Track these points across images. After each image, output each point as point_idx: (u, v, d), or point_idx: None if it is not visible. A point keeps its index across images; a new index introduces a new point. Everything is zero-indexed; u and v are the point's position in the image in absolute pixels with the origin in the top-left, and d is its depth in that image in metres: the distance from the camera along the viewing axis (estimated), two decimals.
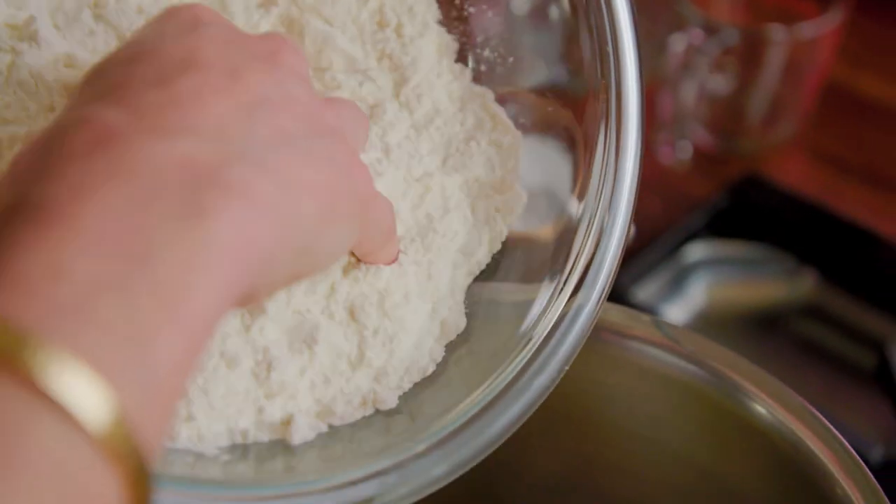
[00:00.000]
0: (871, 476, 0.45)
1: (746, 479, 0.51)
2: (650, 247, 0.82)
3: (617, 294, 0.77)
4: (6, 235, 0.31)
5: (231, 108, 0.36)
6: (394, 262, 0.44)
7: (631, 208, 0.46)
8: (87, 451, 0.29)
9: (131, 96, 0.35)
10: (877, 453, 0.69)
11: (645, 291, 0.81)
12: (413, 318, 0.44)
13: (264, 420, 0.41)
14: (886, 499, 0.45)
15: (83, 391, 0.29)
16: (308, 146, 0.37)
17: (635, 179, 0.46)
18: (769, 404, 0.48)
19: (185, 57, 0.36)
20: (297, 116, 0.38)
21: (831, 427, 0.47)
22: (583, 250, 0.45)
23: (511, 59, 0.48)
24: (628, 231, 0.46)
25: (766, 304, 0.83)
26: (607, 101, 0.45)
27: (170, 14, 0.39)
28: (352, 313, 0.43)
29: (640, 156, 0.46)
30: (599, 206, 0.45)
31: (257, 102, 0.36)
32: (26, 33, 0.43)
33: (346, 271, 0.44)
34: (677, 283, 0.83)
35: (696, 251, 0.84)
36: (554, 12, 0.48)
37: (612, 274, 0.45)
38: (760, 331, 0.82)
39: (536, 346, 0.44)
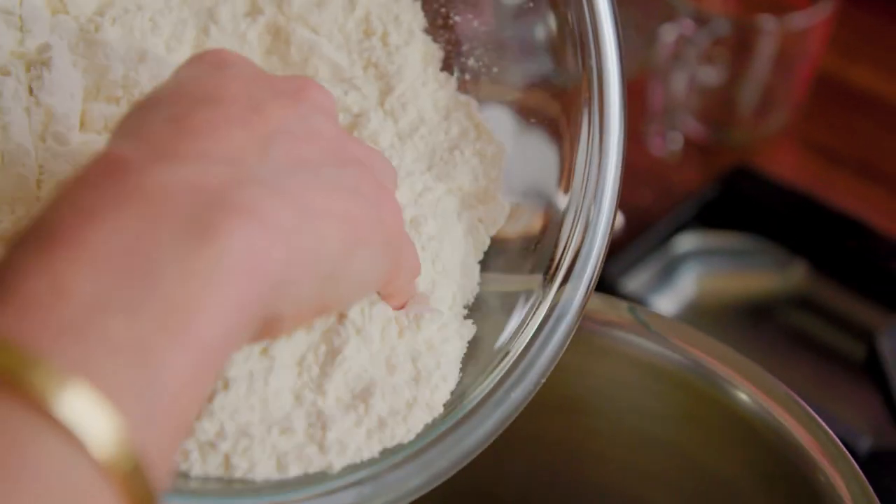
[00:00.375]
0: (853, 461, 0.45)
1: (730, 466, 0.51)
2: (640, 238, 0.81)
3: (606, 285, 0.77)
4: (15, 259, 0.31)
5: (247, 137, 0.36)
6: (404, 306, 0.44)
7: (616, 199, 0.46)
8: (90, 472, 0.29)
9: (148, 132, 0.35)
10: (865, 444, 0.69)
11: (635, 282, 0.81)
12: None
13: (311, 462, 0.41)
14: (868, 485, 0.45)
15: (85, 411, 0.29)
16: (331, 175, 0.37)
17: (619, 171, 0.46)
18: (751, 392, 0.48)
19: (207, 94, 0.37)
20: (319, 148, 0.38)
21: (813, 413, 0.46)
22: (570, 243, 0.45)
23: (496, 69, 0.49)
24: (613, 222, 0.46)
25: (757, 294, 0.83)
26: (590, 93, 0.46)
27: (197, 58, 0.39)
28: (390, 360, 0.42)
29: (624, 147, 0.46)
30: (585, 198, 0.45)
31: (276, 133, 0.36)
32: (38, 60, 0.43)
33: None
34: (667, 274, 0.83)
35: (687, 242, 0.84)
36: (538, 12, 0.48)
37: (599, 266, 0.46)
38: (751, 321, 0.82)
39: (528, 339, 0.45)
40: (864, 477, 0.45)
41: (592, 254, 0.45)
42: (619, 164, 0.46)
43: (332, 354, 0.41)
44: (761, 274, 0.83)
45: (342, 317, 0.42)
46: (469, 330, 0.45)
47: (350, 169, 0.38)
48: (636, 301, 0.59)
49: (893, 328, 0.74)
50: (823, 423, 0.46)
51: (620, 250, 0.80)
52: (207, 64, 0.38)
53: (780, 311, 0.82)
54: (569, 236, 0.45)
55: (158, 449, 0.30)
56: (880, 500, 0.47)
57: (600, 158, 0.45)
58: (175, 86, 0.37)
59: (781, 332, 0.81)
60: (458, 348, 0.44)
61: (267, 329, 0.36)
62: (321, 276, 0.36)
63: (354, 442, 0.40)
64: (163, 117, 0.35)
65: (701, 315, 0.82)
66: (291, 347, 0.41)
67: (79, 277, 0.30)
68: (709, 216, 0.84)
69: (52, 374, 0.29)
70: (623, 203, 0.79)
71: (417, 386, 0.42)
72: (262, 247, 0.33)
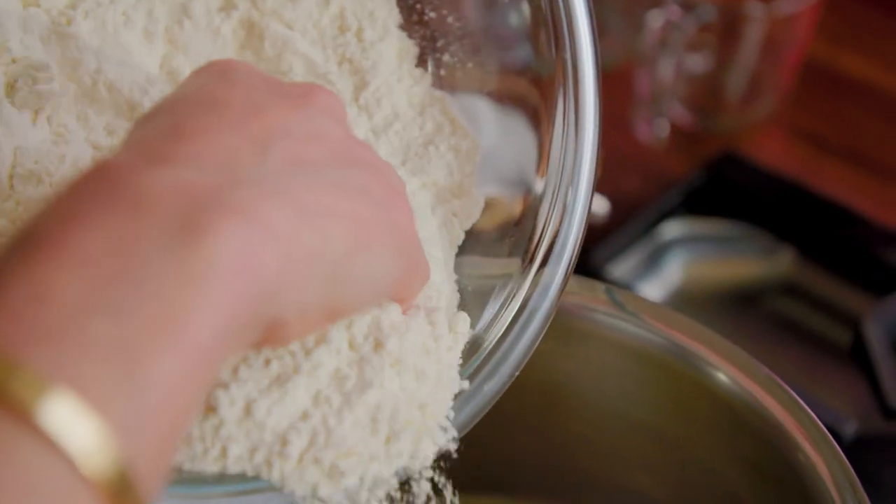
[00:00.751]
0: (834, 442, 0.45)
1: (713, 450, 0.51)
2: (627, 224, 0.81)
3: (592, 271, 0.77)
4: None
5: (243, 139, 0.35)
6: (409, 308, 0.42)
7: (592, 184, 0.46)
8: (74, 482, 0.28)
9: (143, 140, 0.34)
10: (850, 429, 0.69)
11: (621, 269, 0.80)
12: None
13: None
14: (849, 465, 0.45)
15: (68, 418, 0.28)
16: (337, 175, 0.36)
17: (595, 155, 0.46)
18: (732, 373, 0.48)
19: (207, 101, 0.36)
20: (324, 149, 0.37)
21: (794, 394, 0.46)
22: (547, 227, 0.46)
23: (471, 64, 0.49)
24: (590, 206, 0.46)
25: (744, 281, 0.83)
26: (564, 79, 0.46)
27: (204, 68, 0.38)
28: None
29: (599, 132, 0.46)
30: (561, 183, 0.46)
31: (276, 136, 0.35)
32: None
33: None
34: (654, 261, 0.82)
35: (673, 229, 0.84)
36: (512, 2, 0.48)
37: (577, 250, 0.46)
38: (737, 308, 0.81)
39: (505, 325, 0.45)
40: (844, 458, 0.45)
41: (570, 238, 0.45)
42: (595, 149, 0.46)
43: (362, 387, 0.38)
44: (748, 260, 0.83)
45: (379, 345, 0.39)
46: (465, 324, 0.44)
47: (358, 169, 0.37)
48: (622, 288, 0.58)
49: (880, 314, 0.74)
50: (805, 405, 0.46)
51: (606, 237, 0.80)
52: (213, 72, 0.38)
53: (767, 297, 0.82)
54: (546, 221, 0.46)
55: (147, 457, 0.29)
56: (866, 484, 0.47)
57: (576, 143, 0.46)
58: (178, 95, 0.37)
59: (768, 318, 0.81)
60: (459, 351, 0.43)
61: (271, 334, 0.35)
62: (326, 278, 0.35)
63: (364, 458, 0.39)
64: (160, 126, 0.35)
65: (687, 302, 0.81)
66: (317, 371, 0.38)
67: (61, 281, 0.29)
68: (696, 203, 0.84)
69: (32, 381, 0.28)
70: (609, 189, 0.80)
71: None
72: (254, 247, 0.32)
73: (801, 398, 0.48)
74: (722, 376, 0.49)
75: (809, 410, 0.47)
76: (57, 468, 0.28)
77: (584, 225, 0.46)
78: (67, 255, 0.30)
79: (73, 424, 0.28)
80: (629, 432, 0.55)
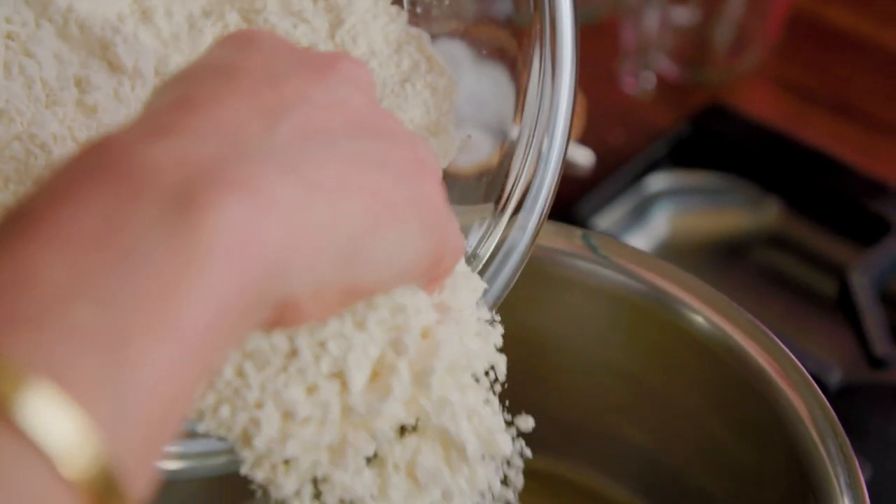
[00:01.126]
0: (811, 380, 0.45)
1: (691, 394, 0.51)
2: (612, 176, 0.81)
3: (578, 224, 0.76)
4: None
5: (255, 110, 0.33)
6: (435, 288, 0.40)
7: (568, 132, 0.46)
8: (47, 477, 0.26)
9: (150, 111, 0.32)
10: (835, 378, 0.69)
11: (606, 221, 0.80)
12: None
13: None
14: (828, 404, 0.44)
15: (46, 411, 0.26)
16: (355, 147, 0.34)
17: (571, 102, 0.46)
18: (710, 316, 0.48)
19: (222, 69, 0.34)
20: (344, 119, 0.34)
21: (771, 334, 0.46)
22: (521, 174, 0.46)
23: (447, 1, 0.48)
24: (565, 154, 0.46)
25: (730, 233, 0.82)
26: (541, 24, 0.46)
27: (226, 37, 0.36)
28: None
29: (575, 82, 0.46)
30: (537, 130, 0.46)
31: (291, 105, 0.33)
32: None
33: None
34: (640, 213, 0.82)
35: (659, 181, 0.83)
36: None
37: (551, 197, 0.46)
38: (724, 260, 0.81)
39: (477, 271, 0.45)
40: (824, 398, 0.45)
41: (545, 185, 0.46)
42: (571, 99, 0.46)
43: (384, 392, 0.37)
44: (734, 212, 0.83)
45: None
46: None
47: (380, 141, 0.35)
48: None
49: (865, 264, 0.74)
50: (785, 348, 0.46)
51: (592, 189, 0.79)
52: (235, 41, 0.36)
53: (754, 248, 0.81)
54: (521, 167, 0.46)
55: (134, 453, 0.27)
56: (851, 432, 0.47)
57: (553, 93, 0.46)
58: (196, 64, 0.35)
59: (754, 269, 0.81)
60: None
61: (283, 315, 0.33)
62: (340, 256, 0.33)
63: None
64: (171, 96, 0.33)
65: (673, 253, 0.81)
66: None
67: (46, 263, 0.27)
68: (682, 155, 0.84)
69: (7, 372, 0.26)
70: (595, 142, 0.80)
71: None
72: (257, 225, 0.30)
73: (787, 348, 0.48)
74: (701, 320, 0.48)
75: (790, 353, 0.47)
76: (33, 466, 0.26)
77: (558, 173, 0.46)
78: (54, 234, 0.28)
79: (52, 419, 0.26)
80: (611, 381, 0.55)
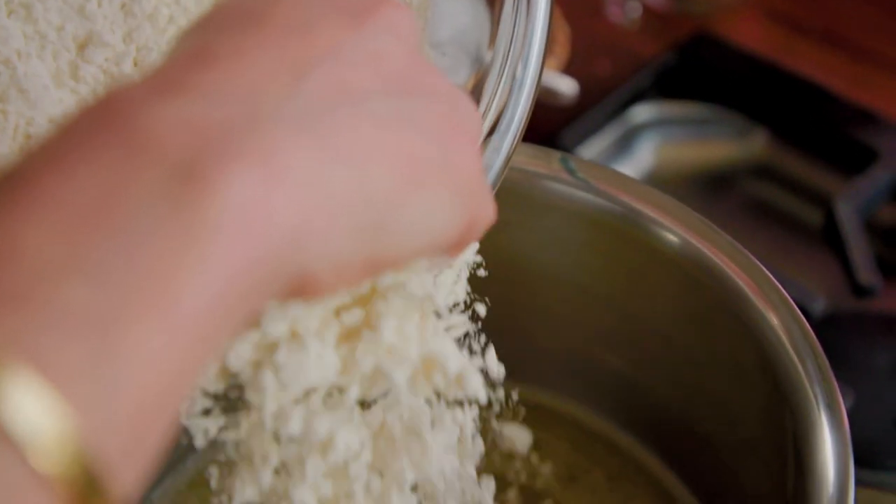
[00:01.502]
0: (785, 293, 0.44)
1: (668, 316, 0.51)
2: (597, 107, 0.80)
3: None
4: None
5: (279, 63, 0.30)
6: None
7: (542, 58, 0.45)
8: (21, 471, 0.24)
9: (169, 63, 0.30)
10: (819, 306, 0.69)
11: (591, 152, 0.79)
12: None
13: None
14: (802, 317, 0.44)
15: (18, 395, 0.24)
16: (386, 106, 0.31)
17: (546, 28, 0.45)
18: (685, 235, 0.47)
19: (247, 15, 0.31)
20: (377, 74, 0.32)
21: (745, 251, 0.46)
22: (494, 97, 0.45)
23: None
24: (539, 79, 0.45)
25: (716, 164, 0.82)
26: None
27: None
28: None
29: (551, 8, 0.45)
30: (511, 55, 0.45)
31: (319, 58, 0.31)
32: None
33: None
34: (625, 144, 0.81)
35: (645, 111, 0.82)
36: None
37: (524, 122, 0.45)
38: (710, 191, 0.81)
39: None
40: (801, 315, 0.44)
41: (519, 107, 0.45)
42: (546, 25, 0.45)
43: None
44: (721, 143, 0.82)
45: None
46: None
47: (416, 99, 0.32)
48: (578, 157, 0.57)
49: (851, 192, 0.73)
50: (760, 265, 0.46)
51: (576, 119, 0.79)
52: None
53: (740, 179, 0.81)
54: (494, 91, 0.45)
55: (119, 447, 0.25)
56: (834, 361, 0.47)
57: (528, 14, 0.45)
58: (221, 8, 0.32)
59: (741, 200, 0.80)
60: None
61: (300, 288, 0.30)
62: (363, 225, 0.30)
63: None
64: (189, 46, 0.30)
65: (659, 185, 0.80)
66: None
67: (36, 236, 0.25)
68: (668, 85, 0.83)
69: None
70: (580, 72, 0.79)
71: None
72: (266, 198, 0.28)
73: (773, 277, 0.47)
74: (680, 242, 0.48)
75: (768, 273, 0.46)
76: (3, 457, 0.24)
77: (532, 96, 0.46)
78: (46, 204, 0.26)
79: (27, 407, 0.24)
80: (590, 306, 0.55)
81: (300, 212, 0.29)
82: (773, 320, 0.45)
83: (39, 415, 0.24)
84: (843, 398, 0.61)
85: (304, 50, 0.30)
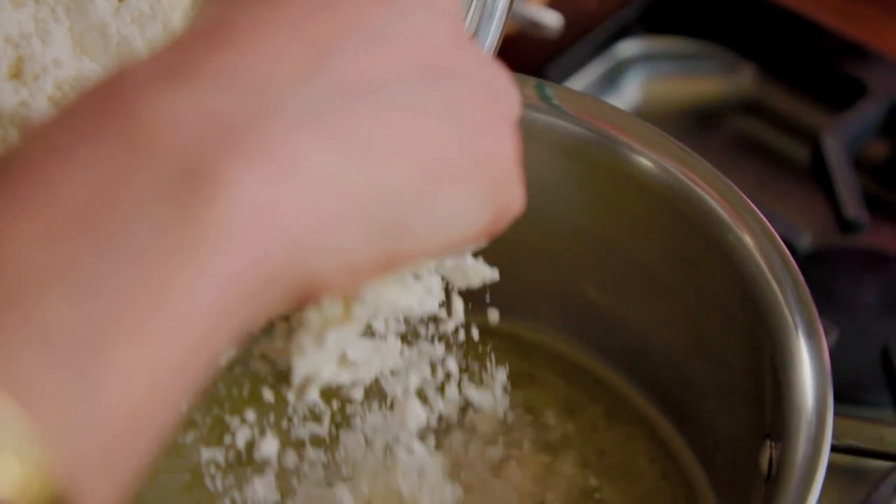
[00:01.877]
0: (760, 213, 0.44)
1: (648, 246, 0.50)
2: (582, 41, 0.79)
3: None
4: None
5: (300, 43, 0.28)
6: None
7: None
8: None
9: (183, 38, 0.28)
10: (805, 241, 0.68)
11: (576, 86, 0.78)
12: None
13: None
14: (779, 240, 0.43)
15: None
16: (415, 94, 0.29)
17: None
18: (658, 159, 0.46)
19: None
20: (409, 58, 0.29)
21: (724, 178, 0.45)
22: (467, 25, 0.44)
23: None
24: (509, 8, 0.44)
25: (703, 100, 0.81)
26: None
27: None
28: None
29: None
30: None
31: (345, 38, 0.28)
32: None
33: None
34: (611, 79, 0.80)
35: (631, 46, 0.81)
36: None
37: (493, 52, 0.44)
38: (696, 127, 0.80)
39: None
40: (779, 238, 0.44)
41: (487, 40, 0.44)
42: None
43: None
44: (708, 78, 0.81)
45: None
46: None
47: (448, 84, 0.30)
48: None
49: (838, 127, 0.72)
50: (736, 189, 0.45)
51: (561, 53, 0.77)
52: None
53: (727, 115, 0.80)
54: (465, 17, 0.44)
55: (93, 474, 0.24)
56: (820, 298, 0.46)
57: None
58: None
59: (728, 136, 0.79)
60: None
61: (309, 289, 0.28)
62: (378, 224, 0.28)
63: None
64: (208, 17, 0.28)
65: (645, 121, 0.79)
66: None
67: (22, 240, 0.23)
68: (654, 19, 0.81)
69: None
70: (565, 5, 0.77)
71: None
72: (273, 202, 0.26)
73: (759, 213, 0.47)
74: (658, 169, 0.47)
75: (742, 194, 0.45)
76: None
77: (502, 25, 0.44)
78: (37, 204, 0.24)
79: None
80: (569, 238, 0.54)
81: (308, 213, 0.27)
82: (753, 248, 0.45)
83: (8, 440, 0.22)
84: (827, 334, 0.60)
85: (328, 27, 0.28)
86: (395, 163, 0.29)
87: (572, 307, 0.57)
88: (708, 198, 0.46)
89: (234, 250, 0.25)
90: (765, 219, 0.44)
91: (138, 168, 0.25)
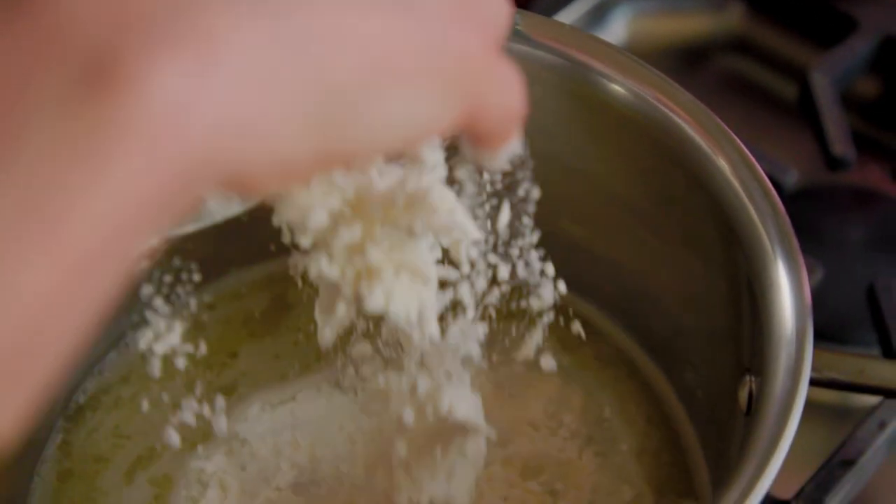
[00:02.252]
0: (730, 132, 0.42)
1: (626, 181, 0.49)
2: None
3: None
4: None
5: None
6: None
7: None
8: None
9: None
10: (791, 179, 0.67)
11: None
12: None
13: None
14: (757, 165, 0.42)
15: None
16: None
17: None
18: (631, 86, 0.45)
19: None
20: None
21: (697, 101, 0.44)
22: None
23: None
24: None
25: (691, 37, 0.79)
26: None
27: None
28: None
29: None
30: None
31: None
32: None
33: None
34: (597, 16, 0.79)
35: None
36: None
37: None
38: (684, 65, 0.79)
39: None
40: (752, 159, 0.42)
41: None
42: None
43: None
44: (696, 15, 0.80)
45: None
46: None
47: None
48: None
49: (827, 63, 0.71)
50: (715, 117, 0.44)
51: None
52: None
53: (715, 53, 0.79)
54: None
55: None
56: (806, 235, 0.45)
57: None
58: None
59: (716, 74, 0.78)
60: None
61: (239, 186, 0.27)
62: (318, 119, 0.27)
63: None
64: None
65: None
66: None
67: None
68: None
69: None
70: None
71: None
72: (194, 91, 0.24)
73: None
74: (632, 97, 0.46)
75: (727, 128, 0.44)
76: None
77: None
78: None
79: None
80: (546, 172, 0.52)
81: (231, 108, 0.25)
82: (732, 176, 0.43)
83: None
84: (813, 272, 0.59)
85: None
86: (340, 58, 0.27)
87: (550, 243, 0.56)
88: (687, 127, 0.45)
89: (140, 151, 0.23)
90: (744, 147, 0.43)
91: (44, 63, 0.23)
